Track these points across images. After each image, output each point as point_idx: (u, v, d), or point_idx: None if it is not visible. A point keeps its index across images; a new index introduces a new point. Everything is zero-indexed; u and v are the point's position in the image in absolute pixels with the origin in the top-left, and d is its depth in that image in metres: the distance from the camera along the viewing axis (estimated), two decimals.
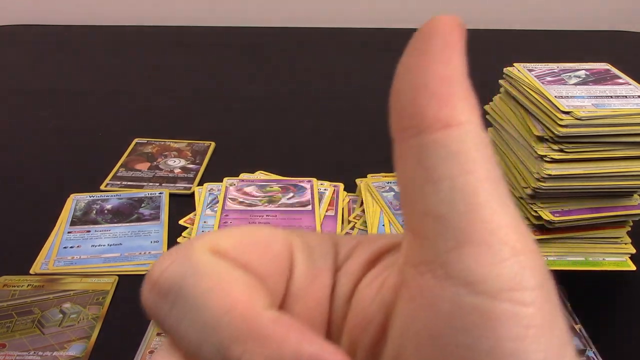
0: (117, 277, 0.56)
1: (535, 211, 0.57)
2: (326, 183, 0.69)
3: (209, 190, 0.68)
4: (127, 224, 0.63)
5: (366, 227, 0.60)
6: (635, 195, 0.58)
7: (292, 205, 0.65)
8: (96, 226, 0.63)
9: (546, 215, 0.56)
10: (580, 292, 0.55)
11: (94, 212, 0.65)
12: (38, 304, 0.53)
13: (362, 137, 0.84)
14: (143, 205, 0.67)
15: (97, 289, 0.55)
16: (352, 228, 0.61)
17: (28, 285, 0.55)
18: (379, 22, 1.26)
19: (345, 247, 0.18)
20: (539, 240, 0.58)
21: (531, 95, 0.56)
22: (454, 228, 0.15)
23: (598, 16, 1.31)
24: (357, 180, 0.69)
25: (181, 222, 0.63)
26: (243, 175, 0.71)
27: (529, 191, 0.56)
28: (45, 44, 1.18)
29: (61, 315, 0.52)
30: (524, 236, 0.15)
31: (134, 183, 0.71)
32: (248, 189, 0.68)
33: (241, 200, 0.66)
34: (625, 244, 0.60)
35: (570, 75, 0.59)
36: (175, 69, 1.07)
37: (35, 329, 0.51)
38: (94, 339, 0.50)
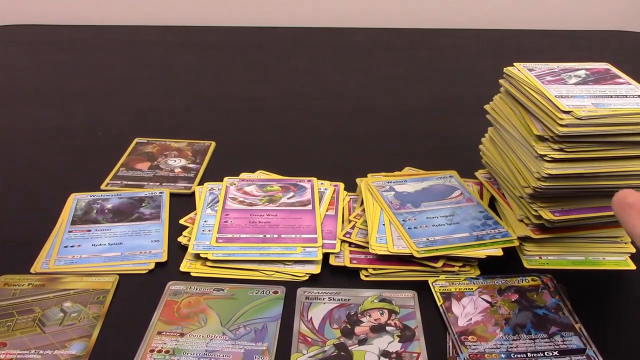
0: (117, 277, 0.56)
1: (536, 210, 0.57)
2: (326, 182, 0.69)
3: (210, 190, 0.68)
4: (128, 224, 0.63)
5: (366, 226, 0.60)
6: None
7: (292, 204, 0.65)
8: (97, 225, 0.63)
9: (546, 214, 0.56)
10: (580, 291, 0.55)
11: (95, 211, 0.65)
12: (39, 303, 0.53)
13: (362, 137, 0.84)
14: (143, 204, 0.67)
15: (97, 288, 0.55)
16: (353, 227, 0.61)
17: (29, 284, 0.55)
18: (379, 22, 1.26)
19: None
20: (539, 240, 0.58)
21: (531, 94, 0.56)
22: None
23: (598, 16, 1.31)
24: (358, 180, 0.69)
25: (181, 221, 0.63)
26: (243, 175, 0.71)
27: (529, 190, 0.56)
28: (45, 44, 1.18)
29: (62, 314, 0.52)
30: None
31: (135, 182, 0.71)
32: (248, 189, 0.68)
33: (241, 199, 0.66)
34: (625, 243, 0.60)
35: (570, 75, 0.59)
36: (176, 69, 1.07)
37: (36, 327, 0.51)
38: (95, 338, 0.50)
